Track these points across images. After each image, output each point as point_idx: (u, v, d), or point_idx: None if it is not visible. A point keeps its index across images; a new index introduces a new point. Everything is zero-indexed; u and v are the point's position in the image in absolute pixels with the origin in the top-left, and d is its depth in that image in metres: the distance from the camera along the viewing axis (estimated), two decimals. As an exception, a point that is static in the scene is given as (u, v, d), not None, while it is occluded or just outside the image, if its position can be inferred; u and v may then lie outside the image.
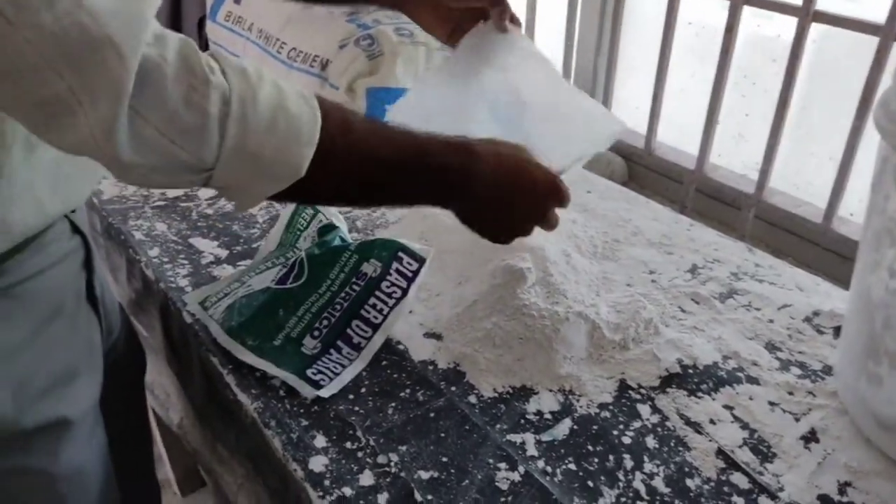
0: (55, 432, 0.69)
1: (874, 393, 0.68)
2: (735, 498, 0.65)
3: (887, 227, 0.64)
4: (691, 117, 1.47)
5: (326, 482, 0.65)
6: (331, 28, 1.19)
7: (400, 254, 0.80)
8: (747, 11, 1.31)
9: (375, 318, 0.79)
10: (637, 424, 0.72)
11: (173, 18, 1.61)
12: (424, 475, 0.66)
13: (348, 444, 0.69)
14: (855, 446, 0.70)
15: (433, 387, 0.75)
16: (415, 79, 1.14)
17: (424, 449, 0.68)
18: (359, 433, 0.70)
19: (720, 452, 0.69)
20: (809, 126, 1.38)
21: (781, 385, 0.76)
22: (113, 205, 1.06)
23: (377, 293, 0.79)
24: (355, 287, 0.79)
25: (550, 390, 0.75)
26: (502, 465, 0.67)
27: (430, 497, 0.63)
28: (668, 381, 0.77)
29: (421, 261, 0.80)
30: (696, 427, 0.72)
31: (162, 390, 1.09)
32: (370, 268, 0.80)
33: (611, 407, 0.74)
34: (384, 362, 0.78)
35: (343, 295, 0.79)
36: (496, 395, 0.75)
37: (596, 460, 0.68)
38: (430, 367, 0.78)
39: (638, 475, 0.66)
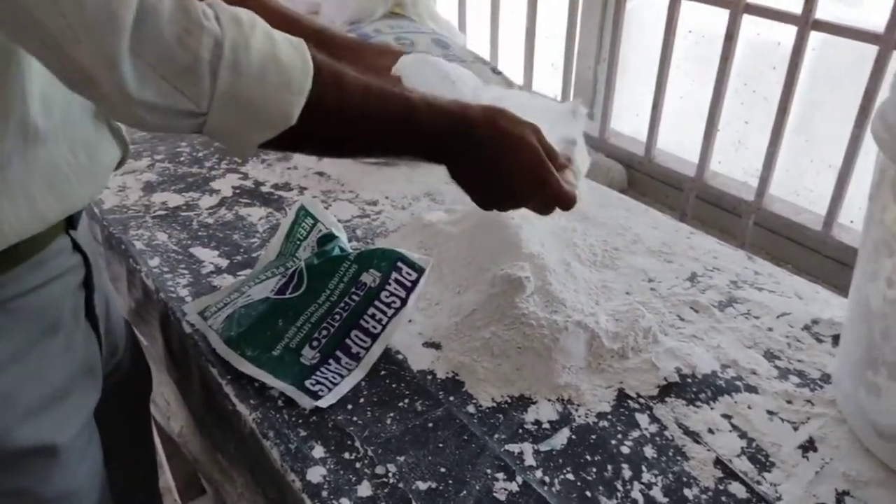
0: (43, 456, 0.68)
1: (872, 402, 0.68)
2: (733, 508, 0.65)
3: (885, 237, 0.64)
4: (691, 125, 1.47)
5: (324, 493, 0.65)
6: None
7: (399, 264, 0.80)
8: (747, 19, 1.31)
9: (374, 328, 0.79)
10: (635, 434, 0.72)
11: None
12: (422, 486, 0.66)
13: (346, 455, 0.69)
14: (853, 455, 0.70)
15: (432, 397, 0.75)
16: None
17: (422, 459, 0.68)
18: (357, 443, 0.70)
19: (718, 462, 0.69)
20: (809, 133, 1.38)
21: (780, 394, 0.76)
22: (114, 214, 1.06)
23: (376, 303, 0.79)
24: (354, 297, 0.79)
25: (549, 400, 0.75)
26: (500, 476, 0.67)
27: (428, 507, 0.64)
28: (667, 390, 0.77)
29: (420, 271, 0.80)
30: (695, 436, 0.72)
31: (163, 399, 1.09)
32: (369, 278, 0.80)
33: (609, 416, 0.74)
34: (383, 372, 0.78)
35: (342, 305, 0.79)
36: (494, 404, 0.75)
37: (594, 470, 0.68)
38: (429, 377, 0.78)
39: (636, 485, 0.66)
